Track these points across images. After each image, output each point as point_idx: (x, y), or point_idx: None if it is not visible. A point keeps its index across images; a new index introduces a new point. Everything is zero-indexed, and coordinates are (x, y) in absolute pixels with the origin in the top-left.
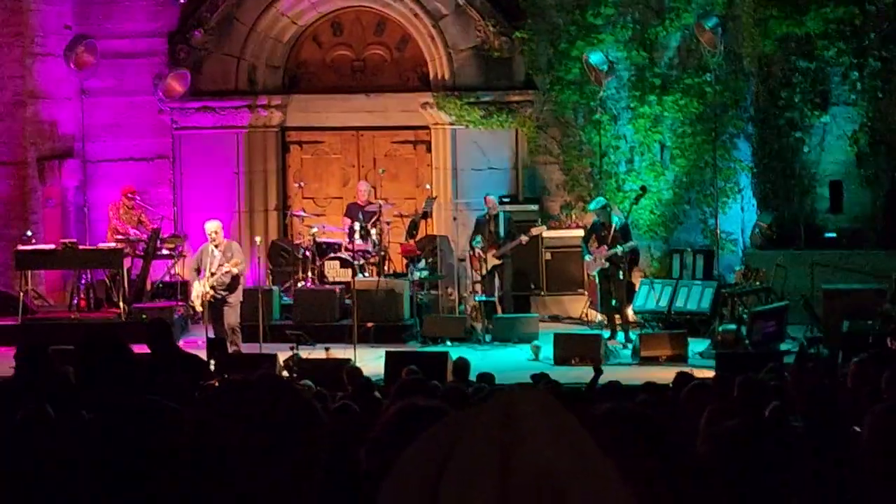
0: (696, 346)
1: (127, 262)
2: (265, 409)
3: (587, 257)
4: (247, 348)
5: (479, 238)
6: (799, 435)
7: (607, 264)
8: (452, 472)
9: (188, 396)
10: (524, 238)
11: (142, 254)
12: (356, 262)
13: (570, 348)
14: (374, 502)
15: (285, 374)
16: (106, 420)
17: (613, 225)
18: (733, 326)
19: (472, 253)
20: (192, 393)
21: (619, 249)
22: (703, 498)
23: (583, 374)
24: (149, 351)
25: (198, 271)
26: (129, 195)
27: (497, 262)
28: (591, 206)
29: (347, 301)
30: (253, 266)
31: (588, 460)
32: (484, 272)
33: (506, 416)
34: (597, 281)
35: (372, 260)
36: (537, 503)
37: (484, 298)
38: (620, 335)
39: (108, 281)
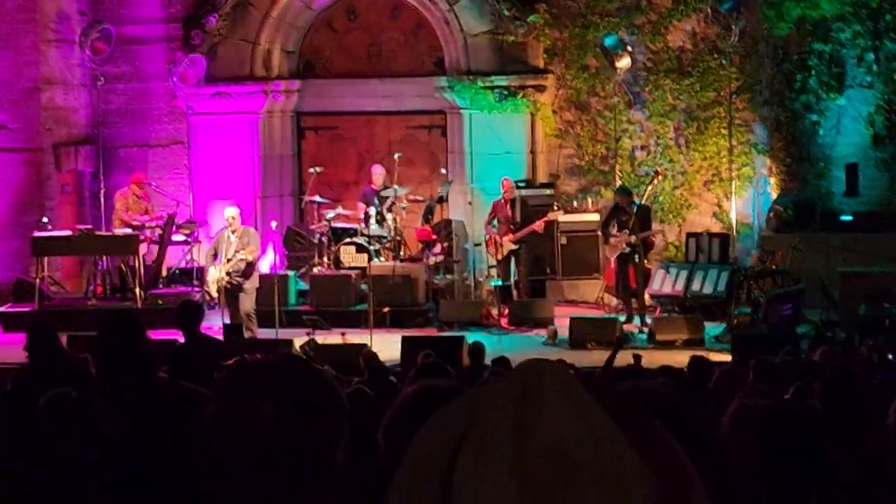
0: (713, 329)
1: (142, 249)
2: (287, 388)
3: (606, 245)
4: (263, 334)
5: (494, 222)
6: (820, 416)
7: (628, 249)
8: (469, 445)
9: (210, 378)
10: (538, 224)
11: (156, 240)
12: (372, 247)
13: (586, 332)
14: (391, 483)
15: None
16: (127, 403)
17: (634, 209)
18: (749, 310)
19: (487, 238)
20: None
21: (639, 236)
22: (724, 478)
23: (599, 358)
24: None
25: (214, 257)
26: (140, 185)
27: (513, 246)
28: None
29: (363, 286)
30: (268, 251)
31: (605, 436)
32: (500, 257)
33: (524, 389)
34: (615, 265)
35: (388, 245)
36: (553, 476)
37: (500, 283)
38: (637, 320)
39: (123, 267)
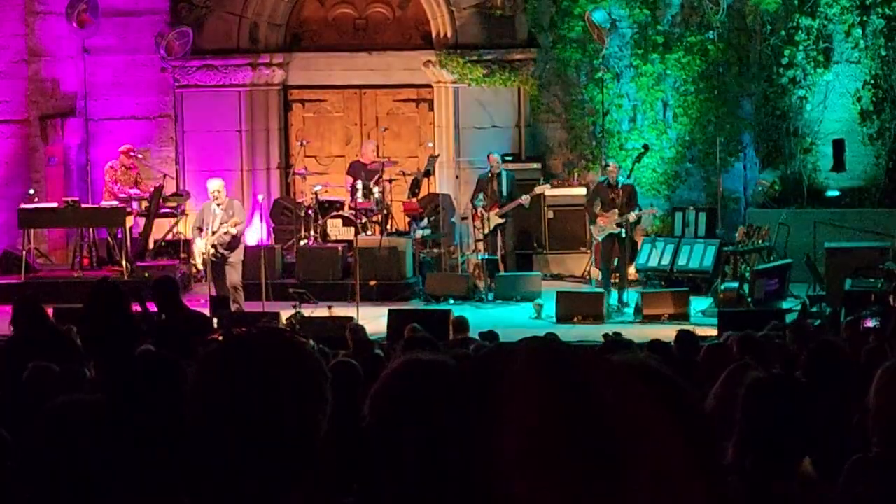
0: (699, 304)
1: (129, 221)
2: (269, 362)
3: (593, 226)
4: (249, 307)
5: (481, 196)
6: (805, 388)
7: (618, 230)
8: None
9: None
10: (525, 199)
11: (144, 212)
12: (359, 221)
13: (573, 306)
14: (376, 456)
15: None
16: (111, 374)
17: (621, 187)
18: (735, 284)
19: (474, 211)
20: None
21: (631, 216)
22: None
23: (585, 332)
24: (155, 308)
25: (199, 230)
26: (129, 153)
27: (499, 220)
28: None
29: (350, 259)
30: (255, 223)
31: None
32: (486, 231)
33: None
34: (600, 241)
35: (374, 218)
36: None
37: (486, 257)
38: (614, 294)
39: (109, 239)
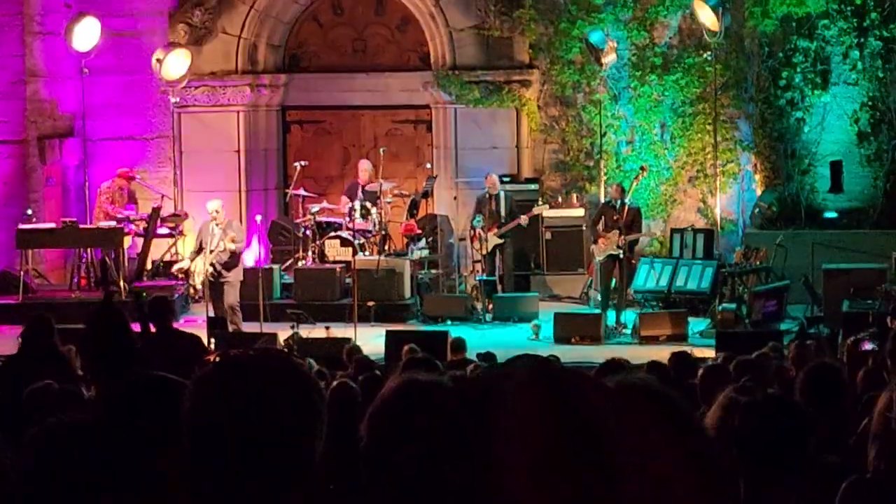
0: (696, 325)
1: (127, 242)
2: (266, 383)
3: (594, 246)
4: (247, 327)
5: (479, 217)
6: (802, 410)
7: (620, 252)
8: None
9: (187, 374)
10: (524, 219)
11: (141, 233)
12: (356, 242)
13: (570, 327)
14: (373, 477)
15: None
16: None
17: (626, 207)
18: (733, 306)
19: (472, 232)
20: (192, 370)
21: (636, 239)
22: (714, 469)
23: (583, 353)
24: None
25: (199, 251)
26: (127, 177)
27: (498, 241)
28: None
29: (348, 280)
30: (253, 245)
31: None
32: (485, 252)
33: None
34: (598, 263)
35: (372, 239)
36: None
37: (485, 278)
38: (612, 315)
39: (107, 260)
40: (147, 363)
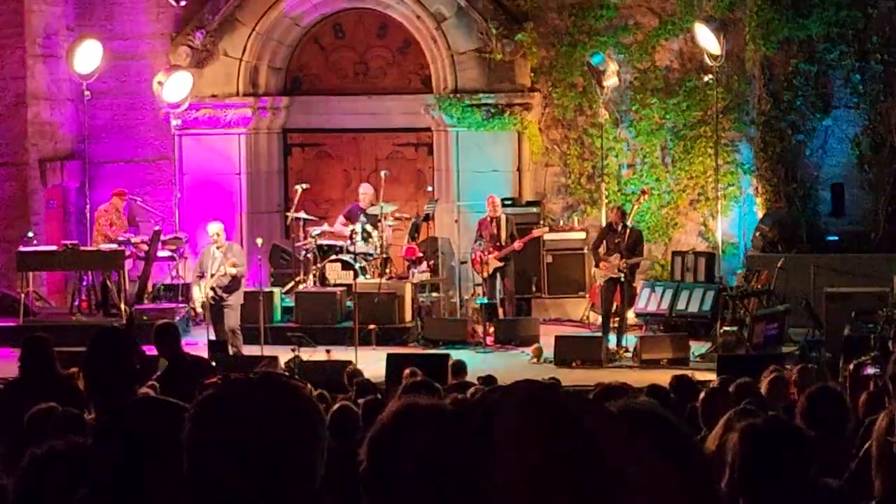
0: (698, 349)
1: (128, 264)
2: (267, 407)
3: (596, 269)
4: (248, 350)
5: (480, 240)
6: (803, 435)
7: (621, 276)
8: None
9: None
10: (517, 245)
11: (142, 256)
12: (357, 265)
13: (571, 351)
14: (373, 500)
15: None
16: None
17: (627, 231)
18: (735, 329)
19: (473, 255)
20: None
21: (637, 262)
22: (713, 495)
23: (584, 376)
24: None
25: (201, 276)
26: (122, 197)
27: (499, 264)
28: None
29: (349, 303)
30: (254, 268)
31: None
32: (486, 275)
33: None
34: (600, 285)
35: (373, 262)
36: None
37: (486, 301)
38: (613, 338)
39: (108, 283)
40: (169, 387)
